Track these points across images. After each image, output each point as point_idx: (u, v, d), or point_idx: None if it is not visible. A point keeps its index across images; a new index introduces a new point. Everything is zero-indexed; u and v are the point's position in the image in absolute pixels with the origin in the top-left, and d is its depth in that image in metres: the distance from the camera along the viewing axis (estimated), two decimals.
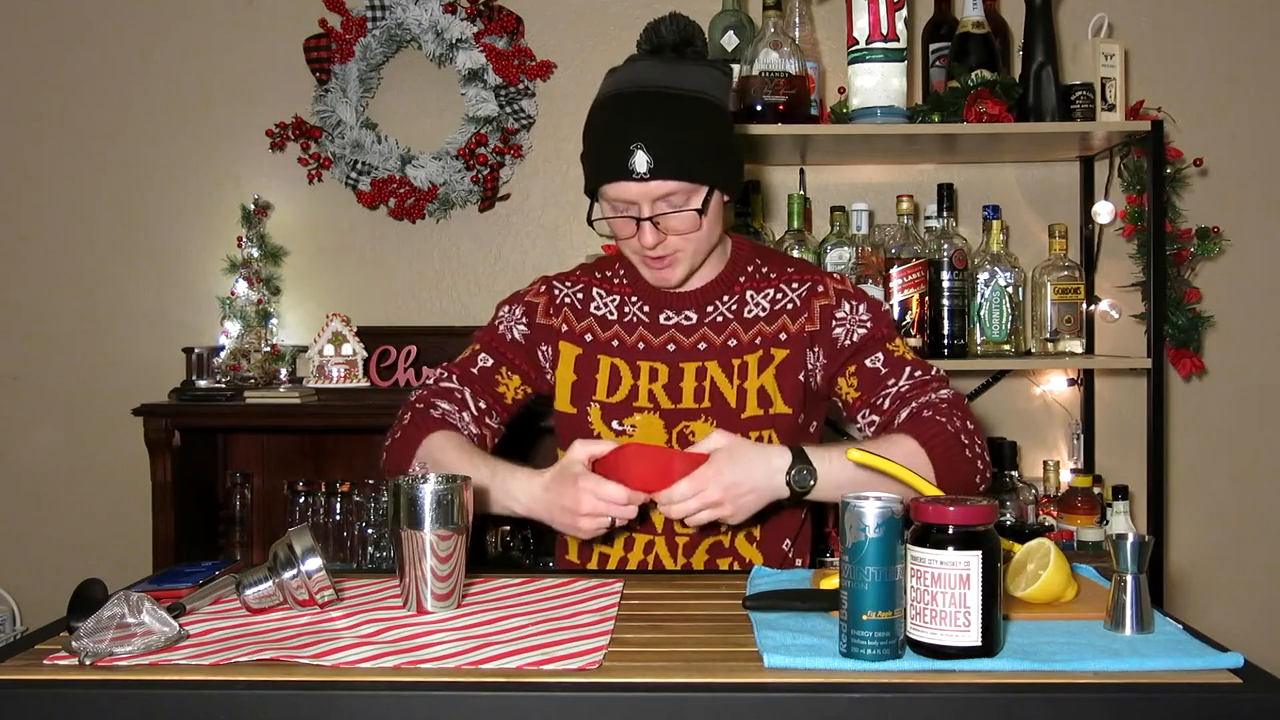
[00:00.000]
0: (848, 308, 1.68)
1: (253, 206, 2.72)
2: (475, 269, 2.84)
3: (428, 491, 1.29)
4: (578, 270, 1.84)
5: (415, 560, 1.29)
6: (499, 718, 1.03)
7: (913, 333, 2.46)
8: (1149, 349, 2.44)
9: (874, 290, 2.44)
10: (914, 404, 1.59)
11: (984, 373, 2.74)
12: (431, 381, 1.75)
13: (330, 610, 1.29)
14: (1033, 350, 2.61)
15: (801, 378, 1.68)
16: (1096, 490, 2.50)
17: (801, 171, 2.76)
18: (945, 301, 2.50)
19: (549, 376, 1.77)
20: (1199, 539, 2.79)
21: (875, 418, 1.64)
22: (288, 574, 1.28)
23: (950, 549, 1.07)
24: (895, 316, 2.43)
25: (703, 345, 1.70)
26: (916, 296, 2.48)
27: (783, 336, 1.69)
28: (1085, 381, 2.75)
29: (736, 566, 1.69)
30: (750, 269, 1.75)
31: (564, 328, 1.76)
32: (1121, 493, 2.47)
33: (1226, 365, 2.78)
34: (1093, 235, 2.72)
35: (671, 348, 1.71)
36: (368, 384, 2.59)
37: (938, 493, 1.31)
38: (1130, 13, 2.75)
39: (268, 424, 2.55)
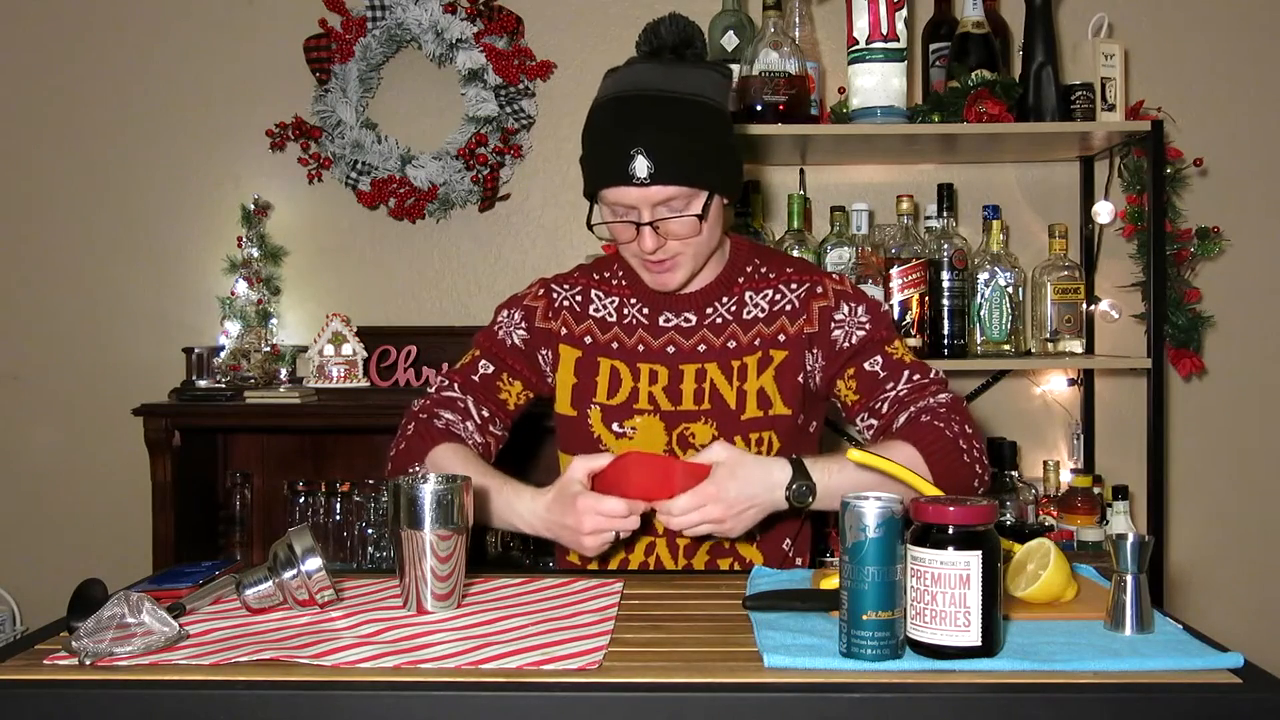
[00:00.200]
0: (846, 309, 1.68)
1: (253, 206, 2.72)
2: (475, 269, 2.84)
3: (428, 491, 1.29)
4: (576, 271, 1.83)
5: (415, 560, 1.29)
6: (499, 718, 1.03)
7: (913, 333, 2.46)
8: (1149, 349, 2.44)
9: (874, 290, 2.44)
10: (912, 408, 1.60)
11: (984, 373, 2.74)
12: (433, 390, 1.75)
13: (330, 610, 1.30)
14: (1033, 350, 2.61)
15: (800, 379, 1.68)
16: (1096, 490, 2.50)
17: (801, 171, 2.76)
18: (945, 301, 2.50)
19: (550, 380, 1.77)
20: (1199, 539, 2.79)
21: (874, 421, 1.65)
22: (288, 574, 1.28)
23: (950, 549, 1.07)
24: (895, 317, 2.43)
25: (702, 347, 1.70)
26: (916, 296, 2.48)
27: (781, 338, 1.69)
28: (1085, 381, 2.75)
29: (736, 566, 1.69)
30: (749, 269, 1.75)
31: (563, 331, 1.76)
32: (1121, 493, 2.47)
33: (1226, 365, 2.78)
34: (1093, 235, 2.72)
35: (671, 349, 1.71)
36: (368, 384, 2.59)
37: (938, 493, 1.31)
38: (1130, 13, 2.75)
39: (268, 424, 2.55)
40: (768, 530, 1.68)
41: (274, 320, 2.73)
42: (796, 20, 2.55)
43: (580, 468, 1.51)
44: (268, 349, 2.65)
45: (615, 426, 1.69)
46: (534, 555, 2.52)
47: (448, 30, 2.68)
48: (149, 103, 2.84)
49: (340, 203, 2.81)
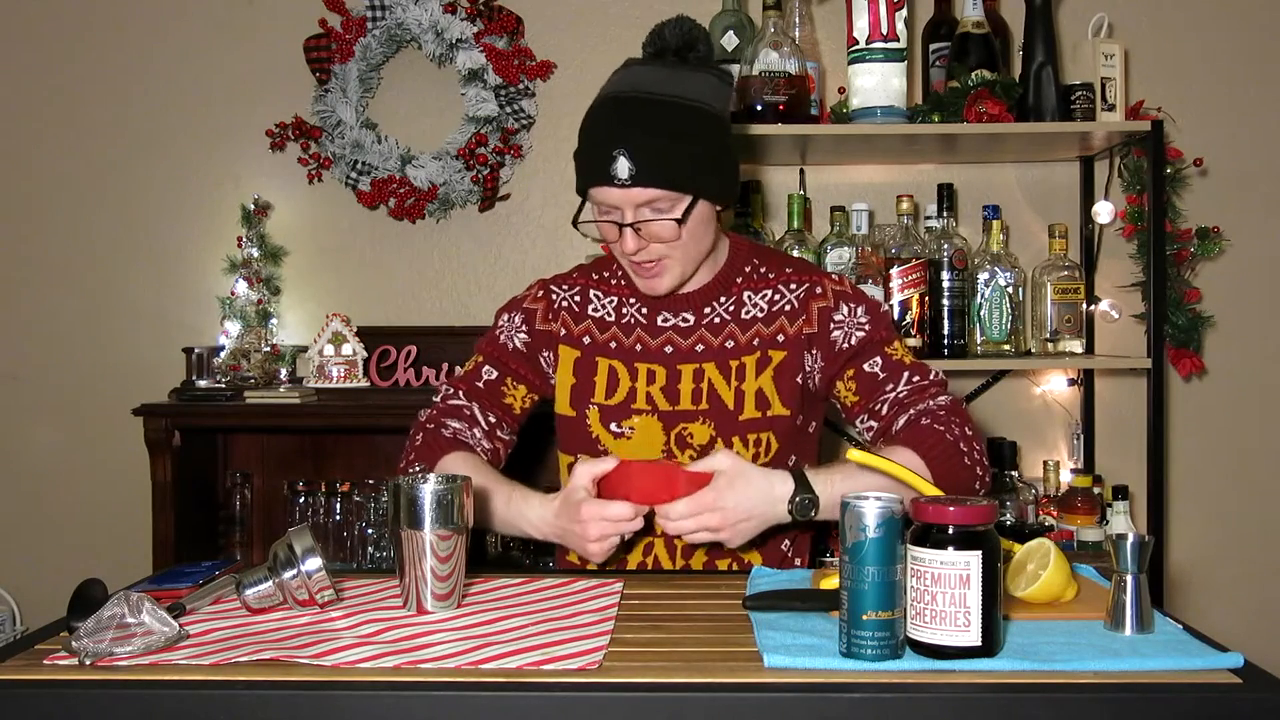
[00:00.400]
0: (846, 310, 1.68)
1: (253, 206, 2.72)
2: (475, 269, 2.84)
3: (428, 491, 1.29)
4: (575, 272, 1.83)
5: (415, 560, 1.29)
6: (499, 718, 1.03)
7: (913, 333, 2.46)
8: (1149, 349, 2.44)
9: (874, 290, 2.44)
10: (912, 411, 1.59)
11: (984, 373, 2.74)
12: (439, 399, 1.76)
13: (330, 610, 1.30)
14: (1033, 350, 2.60)
15: (799, 380, 1.68)
16: (1096, 490, 2.50)
17: (801, 171, 2.76)
18: (945, 301, 2.50)
19: (553, 381, 1.77)
20: (1199, 539, 2.79)
21: (873, 423, 1.64)
22: (288, 574, 1.28)
23: (950, 549, 1.07)
24: (895, 317, 2.43)
25: (700, 347, 1.70)
26: (916, 296, 2.48)
27: (780, 339, 1.69)
28: (1085, 381, 2.75)
29: (736, 566, 1.68)
30: (748, 269, 1.74)
31: (562, 331, 1.76)
32: (1121, 493, 2.47)
33: (1226, 365, 2.78)
34: (1093, 235, 2.72)
35: (669, 349, 1.71)
36: (368, 384, 2.59)
37: (938, 493, 1.31)
38: (1130, 13, 2.75)
39: (268, 424, 2.55)
40: (768, 530, 1.68)
41: (274, 320, 2.73)
42: (796, 20, 2.55)
43: (584, 474, 1.51)
44: (268, 349, 2.65)
45: (613, 426, 1.69)
46: (534, 555, 2.52)
47: (448, 30, 2.68)
48: (149, 103, 2.84)
49: (340, 203, 2.81)
